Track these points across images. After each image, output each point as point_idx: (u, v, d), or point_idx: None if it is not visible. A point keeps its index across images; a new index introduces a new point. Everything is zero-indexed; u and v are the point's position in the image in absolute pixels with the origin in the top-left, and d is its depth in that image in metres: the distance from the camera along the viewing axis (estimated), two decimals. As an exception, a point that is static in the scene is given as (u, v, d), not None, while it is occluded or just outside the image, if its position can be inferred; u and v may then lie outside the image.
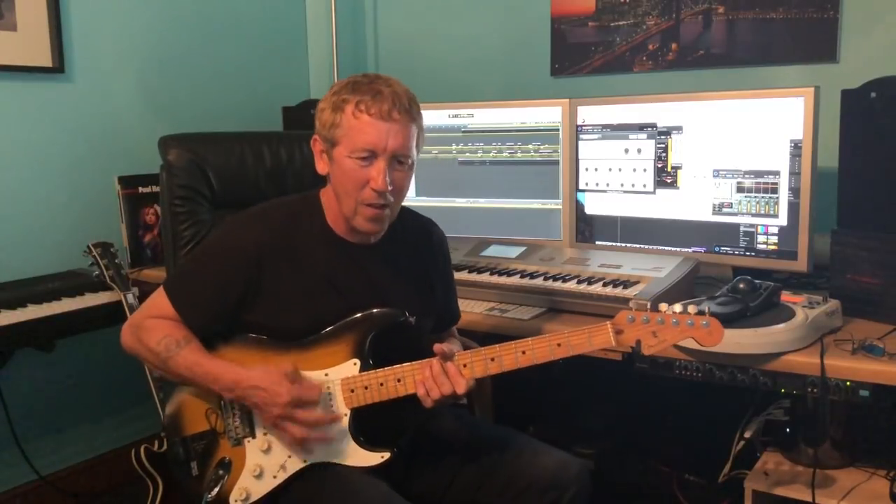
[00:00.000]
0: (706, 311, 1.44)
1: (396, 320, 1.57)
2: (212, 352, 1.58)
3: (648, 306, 1.46)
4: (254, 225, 1.59)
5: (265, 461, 1.55)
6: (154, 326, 1.56)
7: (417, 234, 1.70)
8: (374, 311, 1.56)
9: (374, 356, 1.56)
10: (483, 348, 1.51)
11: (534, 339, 1.48)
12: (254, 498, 1.55)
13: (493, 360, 1.49)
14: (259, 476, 1.54)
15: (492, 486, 1.61)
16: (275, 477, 1.55)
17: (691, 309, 1.43)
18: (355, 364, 1.54)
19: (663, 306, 1.45)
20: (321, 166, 1.58)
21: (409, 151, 1.53)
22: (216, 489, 1.52)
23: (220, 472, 1.54)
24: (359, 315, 1.56)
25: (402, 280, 1.65)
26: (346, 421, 1.54)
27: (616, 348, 1.49)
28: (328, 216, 1.61)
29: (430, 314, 1.70)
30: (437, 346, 1.49)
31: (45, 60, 2.53)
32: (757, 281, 1.79)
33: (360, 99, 1.48)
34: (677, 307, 1.44)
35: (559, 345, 1.47)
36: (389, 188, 1.50)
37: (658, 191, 2.21)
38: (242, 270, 1.54)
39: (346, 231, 1.61)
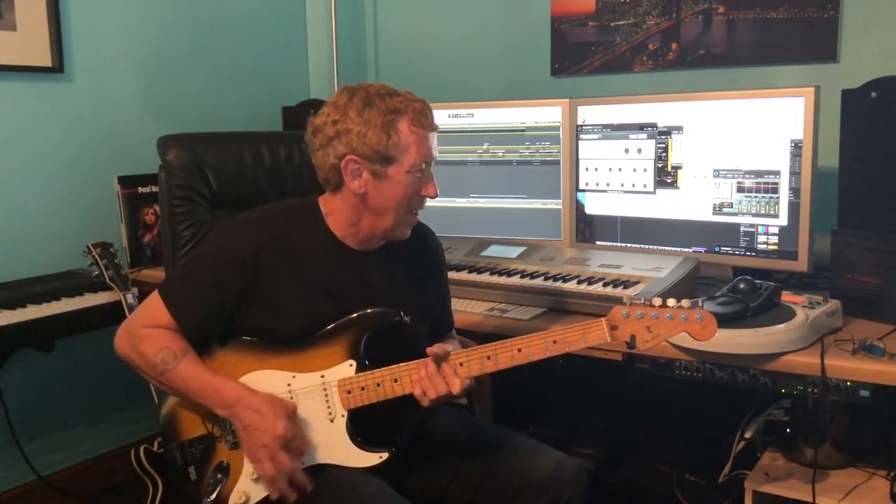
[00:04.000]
0: (700, 304, 1.44)
1: (391, 320, 1.57)
2: (208, 355, 1.57)
3: (643, 300, 1.46)
4: (250, 229, 1.58)
5: None
6: (151, 337, 1.55)
7: (415, 239, 1.69)
8: (369, 311, 1.56)
9: (371, 358, 1.56)
10: (479, 346, 1.52)
11: (529, 336, 1.49)
12: (253, 501, 1.54)
13: (488, 358, 1.50)
14: (258, 479, 1.53)
15: (490, 486, 1.61)
16: None
17: (685, 303, 1.44)
18: (351, 365, 1.54)
19: (657, 300, 1.45)
20: (357, 185, 1.53)
21: None
22: (215, 493, 1.51)
23: (219, 475, 1.53)
24: (354, 315, 1.56)
25: (399, 285, 1.65)
26: (343, 422, 1.54)
27: (611, 344, 1.49)
28: (329, 223, 1.60)
29: (426, 318, 1.70)
30: (429, 349, 1.50)
31: (45, 60, 2.53)
32: (757, 281, 1.78)
33: (413, 116, 1.51)
34: (671, 301, 1.45)
35: (555, 342, 1.48)
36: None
37: (658, 191, 2.21)
38: (239, 275, 1.54)
39: (350, 238, 1.60)
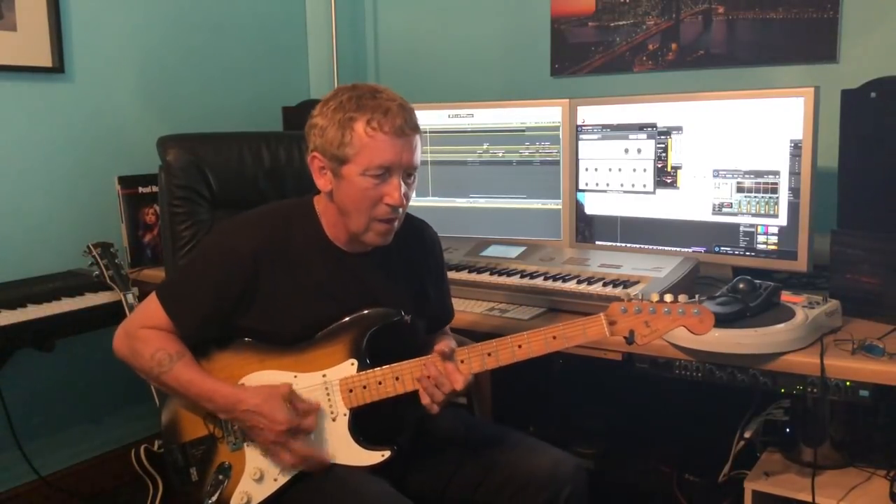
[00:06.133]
0: (696, 298, 1.45)
1: (391, 319, 1.57)
2: (207, 356, 1.57)
3: (640, 296, 1.46)
4: (248, 231, 1.58)
5: (265, 465, 1.55)
6: (147, 338, 1.55)
7: (410, 236, 1.69)
8: (370, 310, 1.56)
9: (371, 356, 1.56)
10: (479, 343, 1.52)
11: (529, 332, 1.49)
12: (255, 501, 1.54)
13: (489, 354, 1.50)
14: (260, 479, 1.54)
15: (489, 484, 1.62)
16: (275, 480, 1.54)
17: (682, 298, 1.45)
18: (353, 364, 1.54)
19: (654, 296, 1.46)
20: (322, 183, 1.54)
21: (418, 163, 1.54)
22: (216, 494, 1.51)
23: (220, 476, 1.54)
24: (355, 315, 1.56)
25: (396, 285, 1.65)
26: (345, 421, 1.54)
27: (610, 339, 1.50)
28: (323, 224, 1.60)
29: (424, 316, 1.70)
30: (437, 346, 1.50)
31: (45, 60, 2.53)
32: (757, 281, 1.78)
33: (372, 116, 1.46)
34: (668, 297, 1.45)
35: (554, 337, 1.48)
36: (405, 202, 1.52)
37: (658, 191, 2.21)
38: (237, 276, 1.54)
39: (342, 240, 1.60)
